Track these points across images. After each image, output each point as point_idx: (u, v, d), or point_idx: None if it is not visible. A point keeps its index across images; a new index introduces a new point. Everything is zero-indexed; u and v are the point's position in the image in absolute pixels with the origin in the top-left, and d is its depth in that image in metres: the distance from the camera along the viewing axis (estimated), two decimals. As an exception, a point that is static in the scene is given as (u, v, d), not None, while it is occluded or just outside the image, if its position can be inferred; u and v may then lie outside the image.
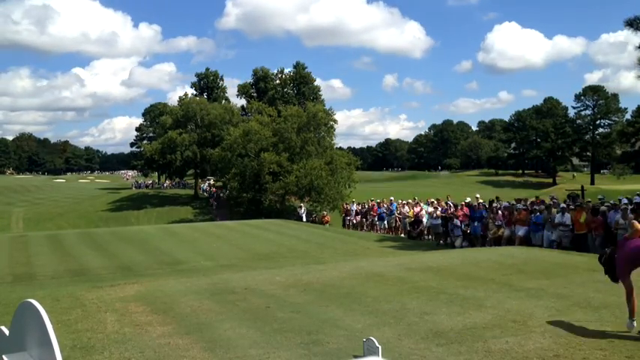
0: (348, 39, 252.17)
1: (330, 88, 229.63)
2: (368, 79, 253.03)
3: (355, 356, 4.40)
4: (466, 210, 17.15)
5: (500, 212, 16.03)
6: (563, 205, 14.83)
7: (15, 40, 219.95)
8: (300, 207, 33.19)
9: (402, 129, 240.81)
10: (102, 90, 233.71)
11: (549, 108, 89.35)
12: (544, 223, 14.30)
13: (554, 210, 14.29)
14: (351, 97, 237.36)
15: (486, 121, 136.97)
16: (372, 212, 23.67)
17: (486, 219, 16.09)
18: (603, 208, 13.73)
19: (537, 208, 15.19)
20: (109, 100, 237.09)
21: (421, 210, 19.98)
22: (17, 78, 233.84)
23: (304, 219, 30.00)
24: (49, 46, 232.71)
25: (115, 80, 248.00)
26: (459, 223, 16.79)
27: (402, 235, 20.90)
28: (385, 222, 22.48)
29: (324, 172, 39.22)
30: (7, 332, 2.48)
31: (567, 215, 13.69)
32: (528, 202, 16.75)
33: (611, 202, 14.93)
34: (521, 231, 14.77)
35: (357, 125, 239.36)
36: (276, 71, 66.27)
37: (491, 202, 17.65)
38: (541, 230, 14.37)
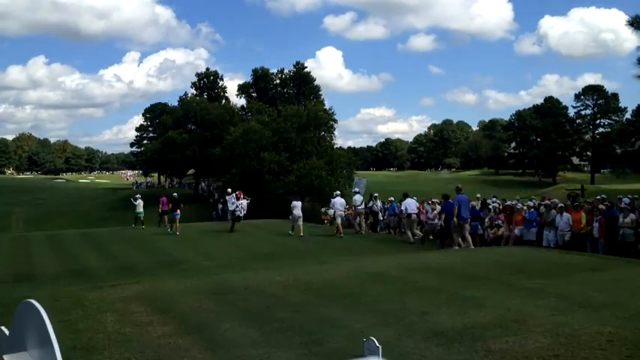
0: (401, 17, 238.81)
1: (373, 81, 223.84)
2: (412, 68, 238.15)
3: (355, 356, 4.40)
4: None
5: (499, 212, 16.04)
6: (562, 204, 14.86)
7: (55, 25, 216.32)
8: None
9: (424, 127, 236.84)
10: (138, 85, 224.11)
11: (549, 107, 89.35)
12: (543, 223, 14.31)
13: (553, 210, 14.30)
14: (394, 88, 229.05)
15: (487, 120, 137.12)
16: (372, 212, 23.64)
17: (485, 219, 16.10)
18: (602, 207, 13.77)
19: (545, 204, 15.21)
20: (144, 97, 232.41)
21: (422, 210, 19.96)
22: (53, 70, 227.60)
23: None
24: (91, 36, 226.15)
25: (146, 74, 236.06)
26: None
27: (403, 235, 20.88)
28: (385, 222, 22.47)
29: (324, 172, 39.26)
30: (7, 332, 2.48)
31: (566, 215, 13.70)
32: (536, 203, 16.72)
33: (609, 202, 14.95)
34: (516, 230, 14.79)
35: (381, 122, 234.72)
36: (275, 71, 66.31)
37: (487, 202, 17.66)
38: (534, 227, 14.40)
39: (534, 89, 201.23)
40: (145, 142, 76.53)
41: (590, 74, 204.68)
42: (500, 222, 15.64)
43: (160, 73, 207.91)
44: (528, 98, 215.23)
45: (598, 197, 15.85)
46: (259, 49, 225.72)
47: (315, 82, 65.84)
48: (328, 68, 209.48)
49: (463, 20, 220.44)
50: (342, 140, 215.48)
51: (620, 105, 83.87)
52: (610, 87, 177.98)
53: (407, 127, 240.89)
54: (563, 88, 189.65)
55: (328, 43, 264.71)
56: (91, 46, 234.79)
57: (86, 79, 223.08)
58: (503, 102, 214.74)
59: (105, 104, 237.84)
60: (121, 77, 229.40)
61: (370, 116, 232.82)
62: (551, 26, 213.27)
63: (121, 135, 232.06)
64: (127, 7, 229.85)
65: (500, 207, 16.81)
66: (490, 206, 17.16)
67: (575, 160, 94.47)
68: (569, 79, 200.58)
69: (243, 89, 65.64)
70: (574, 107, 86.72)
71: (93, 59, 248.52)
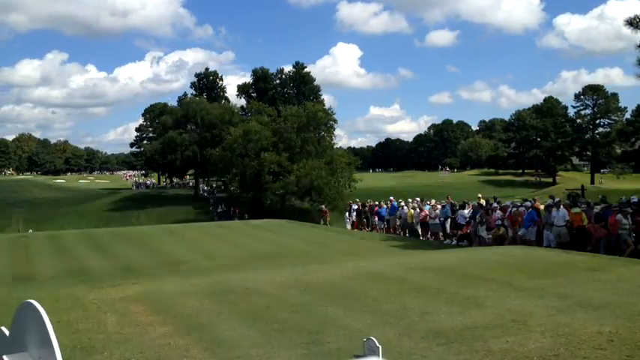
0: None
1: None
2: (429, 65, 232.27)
3: (355, 356, 4.40)
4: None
5: (499, 212, 16.04)
6: (558, 199, 14.92)
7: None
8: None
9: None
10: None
11: (549, 107, 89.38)
12: (544, 223, 14.31)
13: (554, 209, 14.31)
14: (407, 86, 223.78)
15: (487, 120, 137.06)
16: (372, 212, 23.67)
17: (485, 218, 16.10)
18: (597, 208, 13.79)
19: (547, 204, 15.23)
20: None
21: (422, 210, 20.00)
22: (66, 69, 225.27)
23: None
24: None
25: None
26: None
27: (403, 235, 20.90)
28: (385, 222, 22.48)
29: (324, 172, 39.25)
30: (7, 333, 2.48)
31: (564, 211, 13.72)
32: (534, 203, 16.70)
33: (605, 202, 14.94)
34: (520, 231, 14.82)
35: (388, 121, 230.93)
36: (275, 71, 66.35)
37: (489, 202, 17.66)
38: (534, 227, 14.42)
39: (552, 86, 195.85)
40: (145, 142, 76.55)
41: (615, 70, 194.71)
42: (500, 222, 15.63)
43: (174, 73, 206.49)
44: (543, 96, 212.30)
45: (600, 197, 15.84)
46: (278, 47, 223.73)
47: (316, 82, 65.91)
48: (343, 64, 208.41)
49: (486, 14, 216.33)
50: (347, 139, 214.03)
51: (620, 105, 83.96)
52: (631, 83, 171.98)
53: (416, 127, 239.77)
54: (578, 85, 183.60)
55: (344, 38, 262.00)
56: (108, 43, 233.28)
57: (100, 77, 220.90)
58: (517, 100, 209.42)
59: (115, 103, 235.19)
60: (135, 76, 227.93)
61: (380, 115, 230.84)
62: (574, 21, 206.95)
63: (127, 135, 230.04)
64: (150, 4, 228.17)
65: (500, 207, 16.81)
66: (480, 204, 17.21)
67: (575, 160, 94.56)
68: (587, 75, 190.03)
69: (242, 89, 65.63)
70: (574, 107, 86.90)
71: (109, 57, 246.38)
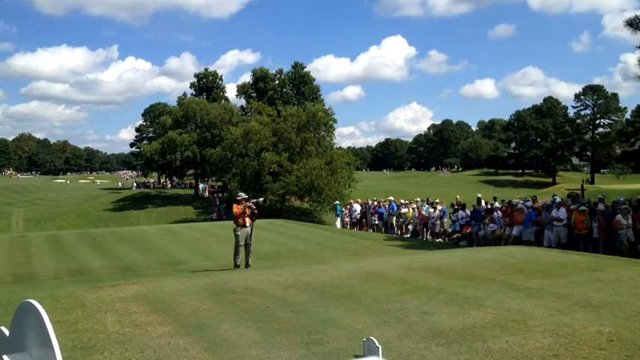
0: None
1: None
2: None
3: (355, 356, 4.40)
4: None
5: (499, 212, 16.06)
6: (558, 199, 14.93)
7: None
8: None
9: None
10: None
11: (549, 107, 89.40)
12: (544, 224, 14.31)
13: (555, 209, 14.32)
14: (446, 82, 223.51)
15: (486, 120, 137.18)
16: (371, 212, 23.69)
17: (486, 218, 16.11)
18: (601, 207, 13.76)
19: (548, 203, 15.24)
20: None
21: (420, 210, 20.02)
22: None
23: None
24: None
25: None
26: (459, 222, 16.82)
27: (402, 235, 20.91)
28: (384, 222, 22.51)
29: (324, 172, 39.23)
30: (7, 332, 2.48)
31: (563, 210, 13.73)
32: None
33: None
34: (515, 230, 14.82)
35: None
36: (275, 71, 66.35)
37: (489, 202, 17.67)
38: (534, 227, 14.44)
39: (602, 78, 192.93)
40: (144, 142, 76.54)
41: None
42: (500, 222, 15.65)
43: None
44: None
45: (600, 196, 15.81)
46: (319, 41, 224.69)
47: (315, 82, 65.83)
48: (387, 57, 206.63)
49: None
50: (363, 139, 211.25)
51: (620, 105, 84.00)
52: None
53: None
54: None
55: (393, 29, 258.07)
56: (155, 36, 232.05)
57: (142, 70, 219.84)
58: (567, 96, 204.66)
59: (147, 99, 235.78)
60: (176, 73, 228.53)
61: (405, 114, 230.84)
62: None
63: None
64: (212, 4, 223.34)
65: (502, 207, 16.82)
66: (488, 205, 17.20)
67: (575, 160, 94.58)
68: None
69: (242, 90, 65.58)
70: (574, 107, 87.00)
71: (157, 50, 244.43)
